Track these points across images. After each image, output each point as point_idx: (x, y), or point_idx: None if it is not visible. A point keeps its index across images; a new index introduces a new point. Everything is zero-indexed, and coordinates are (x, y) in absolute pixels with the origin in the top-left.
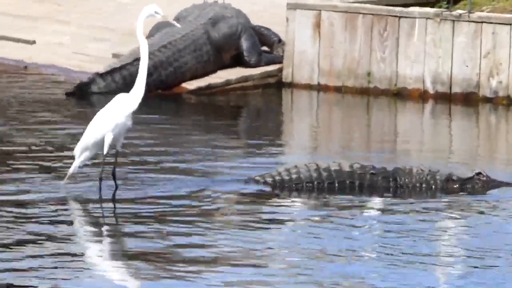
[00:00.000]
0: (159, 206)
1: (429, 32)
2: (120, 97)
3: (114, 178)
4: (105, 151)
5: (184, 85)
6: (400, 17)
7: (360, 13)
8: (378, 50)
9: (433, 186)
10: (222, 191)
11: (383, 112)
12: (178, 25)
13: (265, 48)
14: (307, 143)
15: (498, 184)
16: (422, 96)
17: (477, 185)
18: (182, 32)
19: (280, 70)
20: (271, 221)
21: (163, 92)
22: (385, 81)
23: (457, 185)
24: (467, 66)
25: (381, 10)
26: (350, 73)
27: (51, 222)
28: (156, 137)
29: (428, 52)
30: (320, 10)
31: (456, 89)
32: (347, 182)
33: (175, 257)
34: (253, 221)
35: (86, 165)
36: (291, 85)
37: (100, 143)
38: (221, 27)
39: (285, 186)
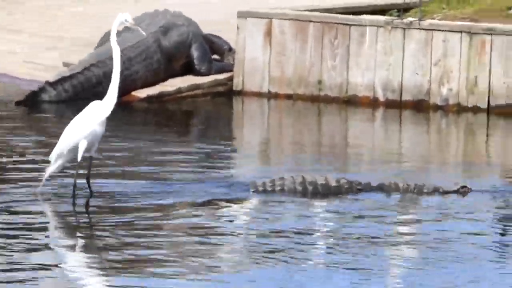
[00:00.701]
0: (128, 215)
1: (380, 40)
2: (94, 104)
3: (89, 184)
4: (79, 158)
5: (135, 93)
6: (350, 25)
7: (310, 21)
8: (329, 59)
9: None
10: (191, 200)
11: (333, 119)
12: (144, 33)
13: (216, 56)
14: (257, 150)
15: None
16: (372, 104)
17: (462, 195)
18: (133, 41)
19: (231, 78)
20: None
21: None
22: (336, 89)
23: (444, 195)
24: (417, 73)
25: (331, 18)
26: (300, 81)
27: (22, 230)
28: (108, 147)
29: (378, 60)
30: (271, 19)
31: (406, 97)
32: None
33: (146, 268)
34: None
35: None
36: (242, 93)
37: (74, 150)
38: (172, 36)
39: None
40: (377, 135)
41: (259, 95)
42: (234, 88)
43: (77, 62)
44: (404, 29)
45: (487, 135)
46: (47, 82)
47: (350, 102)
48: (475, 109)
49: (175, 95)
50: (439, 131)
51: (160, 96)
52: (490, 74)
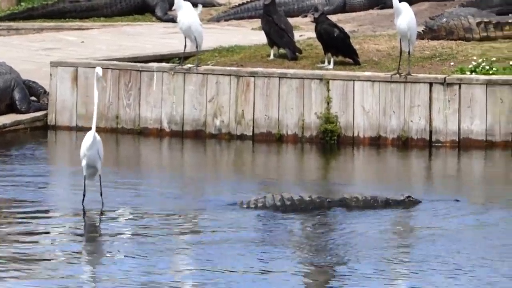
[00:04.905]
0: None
1: (165, 83)
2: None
3: (101, 197)
4: (84, 173)
5: None
6: (141, 71)
7: (109, 68)
8: (124, 98)
9: (376, 209)
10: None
11: (128, 147)
12: (104, 83)
13: (33, 98)
14: (64, 168)
15: (422, 203)
16: (159, 134)
17: (408, 205)
18: None
19: (46, 115)
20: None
21: None
22: (130, 122)
23: (394, 207)
24: (196, 109)
25: (126, 66)
26: (102, 117)
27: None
28: None
29: (164, 99)
30: (76, 67)
31: (187, 128)
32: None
33: None
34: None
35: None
36: (55, 127)
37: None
38: None
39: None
40: (163, 158)
41: (69, 128)
42: (48, 123)
43: None
44: (184, 73)
45: (252, 157)
46: None
47: (142, 133)
48: (243, 137)
49: (1, 130)
50: (214, 155)
51: None
52: (254, 108)
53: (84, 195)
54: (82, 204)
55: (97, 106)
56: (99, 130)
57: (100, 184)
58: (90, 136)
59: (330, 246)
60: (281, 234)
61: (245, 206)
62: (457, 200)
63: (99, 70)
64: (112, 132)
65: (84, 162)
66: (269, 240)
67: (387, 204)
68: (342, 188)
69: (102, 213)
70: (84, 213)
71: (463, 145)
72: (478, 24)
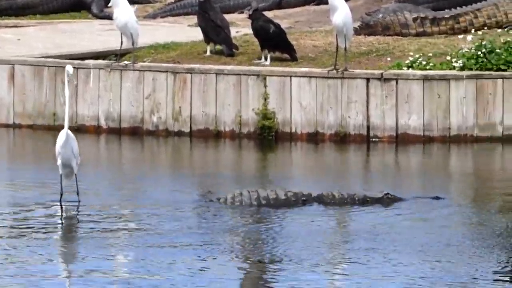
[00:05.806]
0: None
1: (102, 80)
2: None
3: (78, 195)
4: (60, 171)
5: None
6: (78, 68)
7: (46, 65)
8: (61, 96)
9: (353, 206)
10: None
11: None
12: (75, 82)
13: None
14: (5, 169)
15: (401, 201)
16: (97, 131)
17: (386, 203)
18: None
19: None
20: None
21: None
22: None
23: (372, 204)
24: (133, 105)
25: (62, 63)
26: (39, 114)
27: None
28: None
29: (101, 96)
30: (13, 64)
31: (124, 125)
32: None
33: None
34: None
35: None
36: None
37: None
38: None
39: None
40: (101, 154)
41: (6, 126)
42: None
43: None
44: (121, 70)
45: (190, 154)
46: None
47: (79, 130)
48: (180, 133)
49: None
50: (151, 152)
51: None
52: (191, 105)
53: (61, 194)
54: (60, 203)
55: (68, 105)
56: (36, 128)
57: (76, 183)
58: (63, 134)
59: (276, 244)
60: (231, 231)
61: (222, 203)
62: (438, 198)
63: (69, 69)
64: (50, 129)
65: (59, 161)
66: (216, 239)
67: (365, 201)
68: (279, 183)
69: (78, 211)
70: (62, 211)
71: (400, 140)
72: (415, 19)
